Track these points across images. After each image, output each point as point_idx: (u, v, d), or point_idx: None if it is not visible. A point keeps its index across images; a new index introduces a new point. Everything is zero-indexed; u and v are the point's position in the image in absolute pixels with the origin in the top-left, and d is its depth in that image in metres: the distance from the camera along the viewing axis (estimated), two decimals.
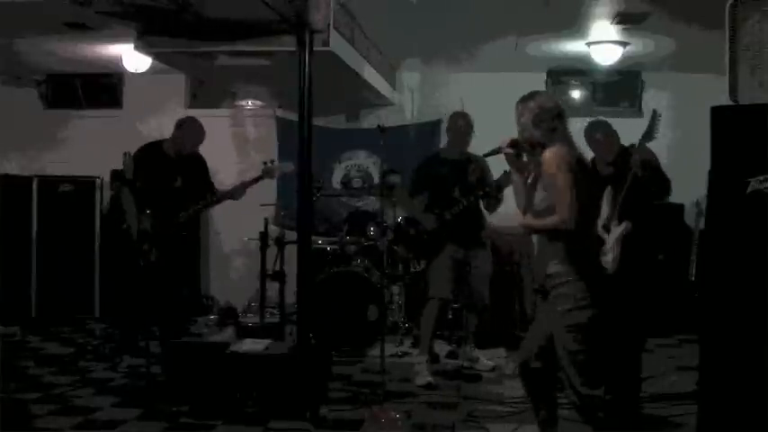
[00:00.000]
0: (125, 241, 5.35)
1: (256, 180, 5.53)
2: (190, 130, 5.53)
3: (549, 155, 3.25)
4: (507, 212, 5.47)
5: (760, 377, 3.49)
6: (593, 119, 4.89)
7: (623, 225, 4.46)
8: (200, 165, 5.64)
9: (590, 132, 4.70)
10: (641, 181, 4.35)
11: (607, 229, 4.56)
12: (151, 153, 5.46)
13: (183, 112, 8.27)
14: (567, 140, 3.33)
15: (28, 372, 5.45)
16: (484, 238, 5.63)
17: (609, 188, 4.57)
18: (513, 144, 3.45)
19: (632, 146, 4.44)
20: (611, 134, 4.66)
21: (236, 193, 5.54)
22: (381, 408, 4.47)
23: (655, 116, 4.32)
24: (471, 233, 5.45)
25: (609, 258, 4.53)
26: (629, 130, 4.66)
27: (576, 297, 3.20)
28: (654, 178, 4.40)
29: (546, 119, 3.31)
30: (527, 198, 3.40)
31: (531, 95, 3.40)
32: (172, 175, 5.40)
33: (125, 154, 7.61)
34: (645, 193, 4.42)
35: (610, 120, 4.89)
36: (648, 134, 4.32)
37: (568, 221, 3.15)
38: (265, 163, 5.61)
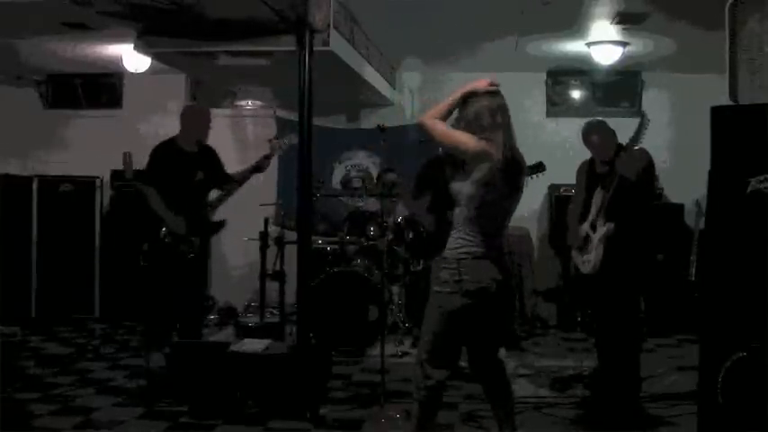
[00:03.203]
0: (160, 244, 5.10)
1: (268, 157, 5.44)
2: (193, 119, 5.36)
3: None
4: None
5: (760, 377, 3.50)
6: (589, 120, 4.89)
7: (606, 226, 4.48)
8: (213, 154, 5.47)
9: (586, 133, 4.72)
10: (629, 183, 4.36)
11: (593, 228, 4.59)
12: (167, 151, 5.23)
13: None
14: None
15: (28, 372, 5.46)
16: None
17: (599, 188, 4.58)
18: None
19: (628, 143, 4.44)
20: (608, 135, 4.66)
21: (263, 165, 5.42)
22: (381, 408, 4.48)
23: (643, 119, 4.30)
24: None
25: (590, 258, 4.56)
26: (629, 131, 4.66)
27: (442, 280, 3.30)
28: (642, 182, 4.39)
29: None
30: None
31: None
32: (192, 170, 5.23)
33: (125, 154, 7.65)
34: (633, 195, 4.42)
35: (610, 120, 4.90)
36: (635, 138, 4.32)
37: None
38: (270, 140, 5.55)
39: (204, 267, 5.49)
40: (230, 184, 5.41)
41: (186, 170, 5.19)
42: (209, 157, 5.40)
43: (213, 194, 5.42)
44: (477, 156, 3.23)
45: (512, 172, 3.29)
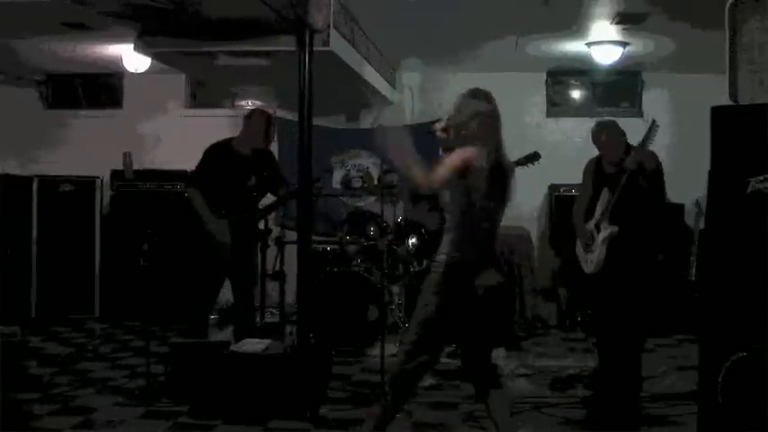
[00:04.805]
0: (202, 245, 5.02)
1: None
2: (260, 122, 5.21)
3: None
4: (507, 212, 5.49)
5: (760, 377, 3.50)
6: (600, 119, 4.88)
7: (610, 229, 4.47)
8: (270, 158, 5.37)
9: (596, 133, 4.71)
10: (636, 184, 4.35)
11: (598, 228, 4.58)
12: (222, 153, 5.11)
13: (183, 112, 8.33)
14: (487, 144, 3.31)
15: (28, 372, 5.45)
16: None
17: (606, 189, 4.58)
18: (444, 130, 3.46)
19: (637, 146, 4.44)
20: (617, 134, 4.65)
21: None
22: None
23: (653, 125, 4.30)
24: None
25: (593, 258, 4.56)
26: (628, 131, 4.67)
27: (431, 282, 3.32)
28: (649, 183, 4.39)
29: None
30: None
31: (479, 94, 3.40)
32: (245, 174, 5.11)
33: (125, 154, 7.66)
34: (639, 196, 4.41)
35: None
36: (644, 142, 4.32)
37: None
38: None
39: (249, 269, 5.37)
40: (285, 190, 5.30)
41: (240, 174, 5.08)
42: (266, 161, 5.29)
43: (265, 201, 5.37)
44: (461, 169, 3.22)
45: (498, 179, 3.31)
